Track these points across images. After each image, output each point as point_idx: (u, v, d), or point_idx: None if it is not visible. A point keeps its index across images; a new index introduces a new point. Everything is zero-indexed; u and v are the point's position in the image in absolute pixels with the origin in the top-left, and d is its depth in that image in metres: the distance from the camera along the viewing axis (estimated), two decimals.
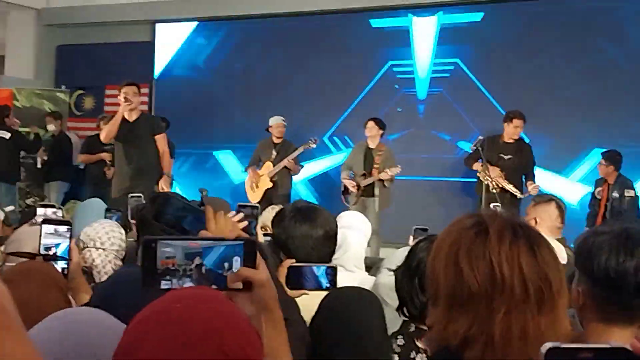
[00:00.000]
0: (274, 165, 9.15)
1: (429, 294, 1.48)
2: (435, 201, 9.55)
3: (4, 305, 0.68)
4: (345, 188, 8.84)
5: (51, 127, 10.96)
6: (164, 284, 1.29)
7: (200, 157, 11.65)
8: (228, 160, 11.46)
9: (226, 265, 1.34)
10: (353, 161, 8.91)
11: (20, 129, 10.86)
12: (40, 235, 2.47)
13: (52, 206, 4.05)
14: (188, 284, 1.30)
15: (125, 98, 7.29)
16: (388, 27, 10.36)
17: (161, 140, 7.53)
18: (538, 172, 8.36)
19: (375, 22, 10.41)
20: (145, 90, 11.95)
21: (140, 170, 7.35)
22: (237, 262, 1.34)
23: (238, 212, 3.38)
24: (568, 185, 9.03)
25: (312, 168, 10.56)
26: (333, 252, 2.91)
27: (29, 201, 6.34)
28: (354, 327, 2.22)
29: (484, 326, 1.35)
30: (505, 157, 7.99)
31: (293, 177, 9.41)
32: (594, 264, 1.87)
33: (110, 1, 12.21)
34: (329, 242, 2.83)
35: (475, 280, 1.36)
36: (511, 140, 8.07)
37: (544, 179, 8.63)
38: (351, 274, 3.56)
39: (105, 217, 4.20)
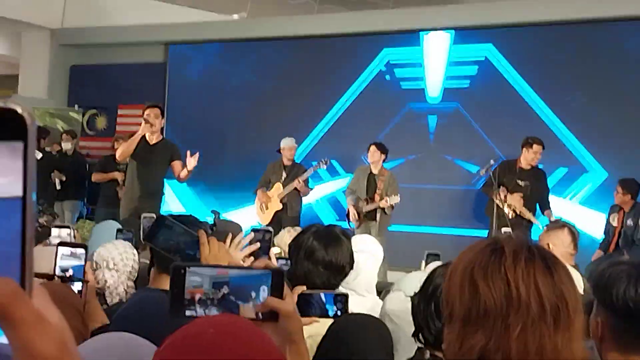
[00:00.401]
0: (283, 187, 9.14)
1: (443, 316, 1.47)
2: (445, 225, 9.53)
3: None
4: (348, 213, 8.89)
5: (67, 146, 10.98)
6: (189, 313, 1.29)
7: (212, 179, 11.65)
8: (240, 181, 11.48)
9: (253, 294, 1.33)
10: (356, 186, 8.93)
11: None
12: (56, 258, 2.48)
13: (67, 227, 4.04)
14: (214, 312, 1.29)
15: (145, 120, 7.27)
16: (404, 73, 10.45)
17: (177, 165, 7.50)
18: (554, 199, 8.36)
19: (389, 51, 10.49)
20: None
21: (149, 192, 7.35)
22: (264, 291, 1.34)
23: (253, 236, 3.40)
24: (580, 211, 9.00)
25: (324, 189, 10.58)
26: (337, 285, 2.89)
27: (42, 220, 6.31)
28: (359, 355, 2.19)
29: (500, 342, 1.32)
30: (522, 183, 7.93)
31: (302, 198, 9.40)
32: (612, 295, 1.87)
33: (124, 22, 12.31)
34: (332, 272, 2.81)
35: (491, 296, 1.34)
36: (528, 167, 8.01)
37: (559, 206, 8.61)
38: (362, 298, 3.54)
39: (117, 238, 4.20)
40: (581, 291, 3.56)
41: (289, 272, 3.05)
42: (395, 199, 8.42)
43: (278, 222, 9.01)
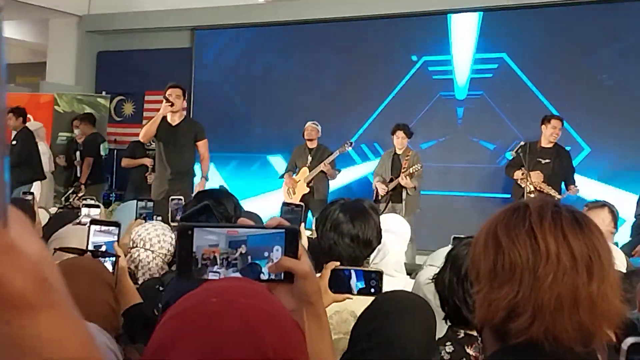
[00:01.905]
0: (310, 170, 9.15)
1: (475, 280, 1.42)
2: (473, 210, 9.47)
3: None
4: (376, 195, 8.87)
5: (78, 131, 11.08)
6: (212, 275, 1.22)
7: (239, 163, 11.69)
8: (266, 165, 11.50)
9: (266, 254, 1.26)
10: (382, 169, 8.97)
11: (62, 134, 11.06)
12: (89, 235, 2.48)
13: (97, 206, 4.06)
14: (234, 274, 1.23)
15: (166, 99, 7.26)
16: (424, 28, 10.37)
17: (202, 146, 7.56)
18: (599, 185, 8.32)
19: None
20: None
21: (179, 174, 7.37)
22: (277, 251, 1.26)
23: (281, 210, 3.40)
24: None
25: (352, 174, 10.58)
26: (364, 258, 2.86)
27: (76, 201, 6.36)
28: (404, 337, 2.09)
29: (531, 294, 1.28)
30: (543, 161, 7.87)
31: (330, 181, 9.39)
32: None
33: (150, 8, 12.33)
34: (358, 246, 2.78)
35: (516, 250, 1.30)
36: (549, 145, 7.94)
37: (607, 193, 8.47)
38: (392, 278, 3.53)
39: (137, 210, 4.20)
40: (623, 268, 3.53)
41: (315, 245, 3.04)
42: (416, 167, 8.48)
43: (305, 205, 9.02)
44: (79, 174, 10.91)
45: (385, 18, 10.56)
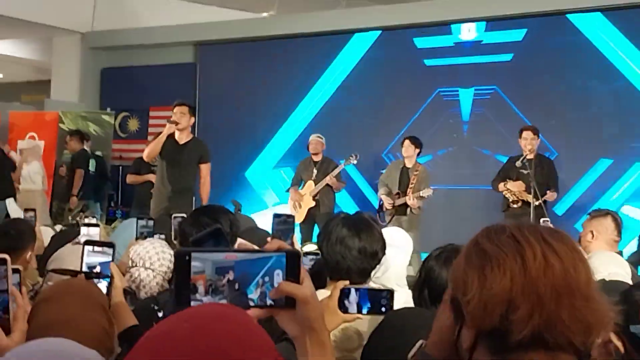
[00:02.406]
0: (315, 184, 9.10)
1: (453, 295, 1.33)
2: (478, 212, 9.39)
3: None
4: (381, 206, 8.80)
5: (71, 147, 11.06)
6: (194, 302, 1.18)
7: (245, 178, 11.66)
8: (272, 179, 11.47)
9: (266, 279, 1.21)
10: (389, 179, 8.85)
11: (67, 152, 11.08)
12: (83, 255, 2.44)
13: (96, 225, 4.02)
14: (222, 301, 1.19)
15: (170, 120, 7.19)
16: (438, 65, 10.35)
17: (205, 168, 7.46)
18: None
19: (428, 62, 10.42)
20: None
21: (179, 192, 7.28)
22: (278, 275, 1.21)
23: (273, 221, 3.36)
24: None
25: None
26: (371, 270, 2.84)
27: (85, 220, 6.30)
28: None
29: (524, 288, 1.21)
30: (525, 171, 7.84)
31: (335, 194, 9.35)
32: None
33: (153, 23, 12.35)
34: (366, 258, 2.75)
35: (502, 253, 1.24)
36: (530, 156, 7.92)
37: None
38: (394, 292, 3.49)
39: (137, 227, 4.14)
40: (628, 279, 3.47)
41: (320, 262, 3.01)
42: (427, 191, 8.34)
43: (311, 218, 9.01)
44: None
45: (385, 30, 10.56)
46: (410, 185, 8.57)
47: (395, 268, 3.55)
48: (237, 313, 1.05)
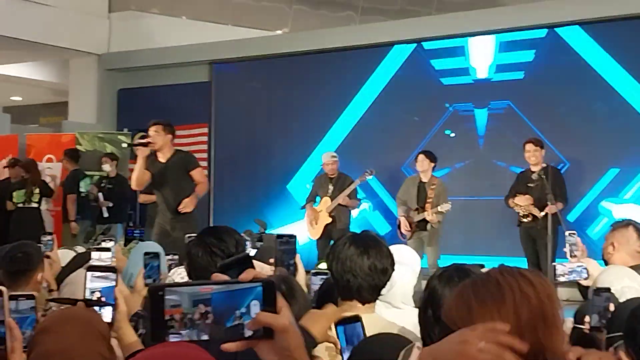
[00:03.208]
0: (331, 200, 9.07)
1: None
2: (495, 223, 9.38)
3: None
4: (399, 225, 8.78)
5: (106, 168, 11.06)
6: (172, 337, 1.17)
7: (261, 195, 11.66)
8: (288, 196, 11.46)
9: (243, 311, 1.20)
10: (406, 196, 8.79)
11: (87, 172, 11.17)
12: (85, 282, 2.43)
13: (108, 249, 4.01)
14: (200, 335, 1.18)
15: (140, 144, 6.92)
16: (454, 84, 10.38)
17: (197, 174, 7.11)
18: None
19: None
20: (204, 130, 12.11)
21: (178, 212, 6.94)
22: (255, 306, 1.21)
23: (276, 242, 3.34)
24: None
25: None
26: (382, 286, 2.84)
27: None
28: None
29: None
30: (533, 184, 7.92)
31: (352, 211, 9.32)
32: None
33: (167, 44, 12.42)
34: (377, 274, 2.78)
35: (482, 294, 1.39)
36: (537, 168, 7.96)
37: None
38: (399, 310, 3.48)
39: (145, 262, 4.02)
40: None
41: (329, 282, 3.00)
42: (446, 206, 8.29)
43: (328, 235, 8.99)
44: (103, 214, 10.89)
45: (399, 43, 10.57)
46: (428, 200, 8.52)
47: (401, 285, 3.53)
48: (200, 353, 1.02)
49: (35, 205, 10.55)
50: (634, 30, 9.15)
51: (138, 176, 6.93)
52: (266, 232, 8.12)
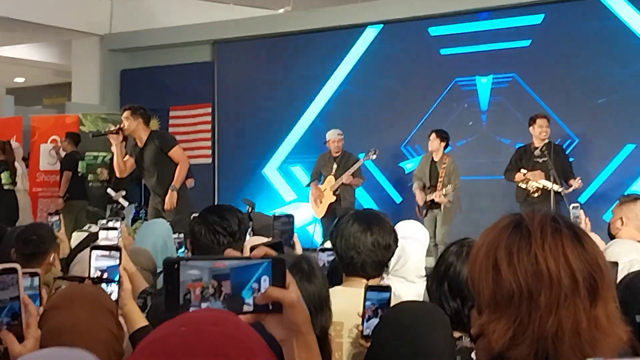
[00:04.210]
0: (336, 179, 9.09)
1: (476, 302, 1.38)
2: (499, 202, 9.35)
3: None
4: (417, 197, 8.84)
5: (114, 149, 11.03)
6: (193, 309, 1.23)
7: (265, 174, 11.68)
8: (292, 175, 11.48)
9: (255, 285, 1.26)
10: (421, 173, 8.88)
11: (88, 153, 11.16)
12: (90, 260, 2.46)
13: (115, 229, 4.05)
14: (217, 307, 1.24)
15: (108, 131, 6.91)
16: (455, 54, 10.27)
17: (174, 153, 6.95)
18: None
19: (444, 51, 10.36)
20: (208, 109, 12.12)
21: (165, 194, 6.90)
22: (265, 281, 1.26)
23: (273, 223, 3.38)
24: None
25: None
26: (386, 262, 2.87)
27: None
28: (421, 346, 2.05)
29: (528, 326, 1.25)
30: (540, 160, 7.83)
31: (356, 188, 9.33)
32: None
33: (170, 24, 12.40)
34: (380, 250, 2.81)
35: (517, 278, 1.26)
36: (541, 144, 7.88)
37: None
38: (413, 285, 3.52)
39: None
40: None
41: (334, 260, 3.04)
42: (449, 189, 8.34)
43: (332, 213, 8.99)
44: (124, 205, 10.87)
45: (403, 21, 10.54)
46: (439, 180, 8.57)
47: (414, 261, 3.60)
48: (230, 316, 1.10)
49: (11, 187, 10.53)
50: None
51: (118, 164, 6.93)
52: (255, 211, 8.12)
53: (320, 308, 2.06)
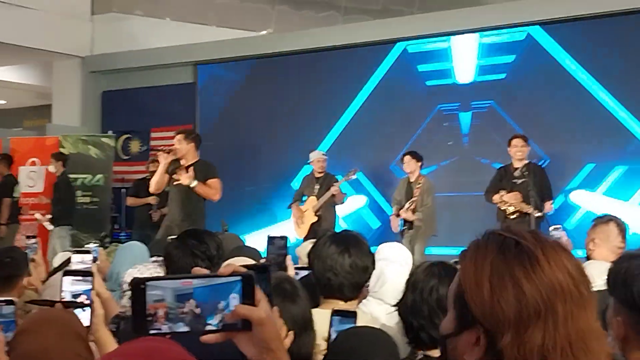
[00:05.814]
0: (317, 199, 9.09)
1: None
2: (479, 216, 9.37)
3: None
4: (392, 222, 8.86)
5: (52, 169, 10.93)
6: (153, 331, 1.20)
7: (246, 197, 11.64)
8: (276, 196, 11.46)
9: (222, 304, 1.24)
10: (400, 196, 8.92)
11: (70, 176, 11.07)
12: (61, 285, 2.44)
13: (87, 252, 4.01)
14: (182, 328, 1.21)
15: (162, 150, 7.31)
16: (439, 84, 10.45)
17: (213, 183, 7.33)
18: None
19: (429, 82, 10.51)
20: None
21: (188, 215, 7.20)
22: (234, 299, 1.24)
23: (268, 243, 3.36)
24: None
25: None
26: (363, 284, 2.87)
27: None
28: None
29: (555, 332, 1.24)
30: (519, 181, 7.87)
31: (336, 209, 9.33)
32: (633, 292, 1.77)
33: (151, 45, 12.39)
34: (358, 272, 2.82)
35: (539, 294, 1.24)
36: (521, 164, 7.94)
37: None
38: (390, 307, 3.49)
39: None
40: None
41: (312, 280, 3.03)
42: (418, 215, 8.48)
43: (314, 234, 8.98)
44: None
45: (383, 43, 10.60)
46: (413, 198, 8.59)
47: (392, 283, 3.56)
48: (164, 345, 1.09)
49: None
50: (593, 30, 9.44)
51: (158, 180, 7.26)
52: (228, 231, 8.14)
53: (304, 329, 2.06)
